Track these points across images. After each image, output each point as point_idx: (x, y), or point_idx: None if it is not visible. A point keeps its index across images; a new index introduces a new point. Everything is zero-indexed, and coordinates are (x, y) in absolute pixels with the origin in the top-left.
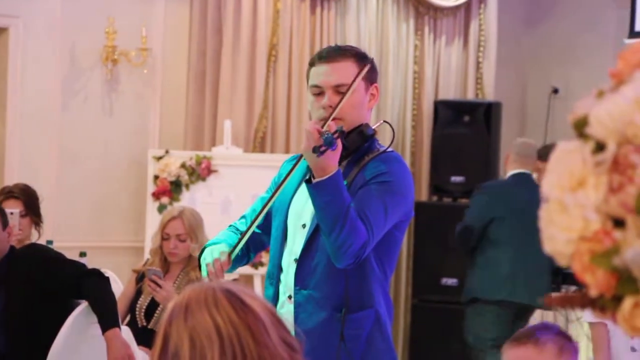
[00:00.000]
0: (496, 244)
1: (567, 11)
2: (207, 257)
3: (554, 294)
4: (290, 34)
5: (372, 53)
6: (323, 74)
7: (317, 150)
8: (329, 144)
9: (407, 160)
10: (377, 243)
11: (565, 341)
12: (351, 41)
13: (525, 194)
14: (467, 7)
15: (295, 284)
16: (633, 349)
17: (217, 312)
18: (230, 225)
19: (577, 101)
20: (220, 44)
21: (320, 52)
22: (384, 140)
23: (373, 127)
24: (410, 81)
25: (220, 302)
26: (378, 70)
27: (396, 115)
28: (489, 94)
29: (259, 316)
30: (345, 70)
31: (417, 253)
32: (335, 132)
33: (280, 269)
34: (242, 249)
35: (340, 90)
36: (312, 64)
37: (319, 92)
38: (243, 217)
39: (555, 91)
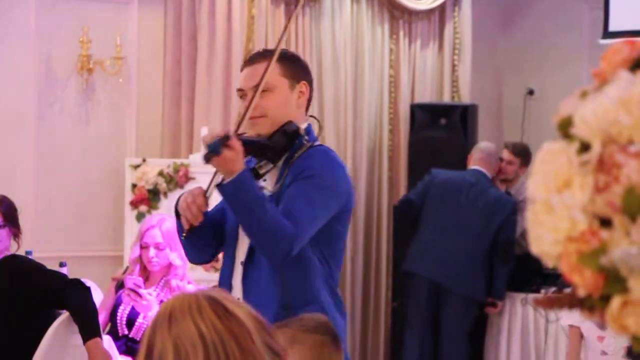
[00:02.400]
0: (423, 221)
1: (541, 13)
2: (182, 203)
3: (541, 295)
4: (266, 40)
5: (347, 57)
6: (244, 76)
7: (205, 159)
8: (212, 151)
9: (385, 164)
10: (317, 238)
11: (303, 335)
12: (326, 46)
13: (468, 186)
14: (441, 10)
15: (243, 284)
16: (604, 353)
17: (200, 320)
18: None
19: (552, 102)
20: (195, 51)
21: (247, 57)
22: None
23: (297, 125)
24: (386, 85)
25: (204, 310)
26: (354, 75)
27: (373, 119)
28: (465, 97)
29: (243, 323)
30: (263, 70)
31: (397, 256)
32: (223, 137)
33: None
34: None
35: (262, 90)
36: (242, 70)
37: (241, 94)
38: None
39: (531, 92)
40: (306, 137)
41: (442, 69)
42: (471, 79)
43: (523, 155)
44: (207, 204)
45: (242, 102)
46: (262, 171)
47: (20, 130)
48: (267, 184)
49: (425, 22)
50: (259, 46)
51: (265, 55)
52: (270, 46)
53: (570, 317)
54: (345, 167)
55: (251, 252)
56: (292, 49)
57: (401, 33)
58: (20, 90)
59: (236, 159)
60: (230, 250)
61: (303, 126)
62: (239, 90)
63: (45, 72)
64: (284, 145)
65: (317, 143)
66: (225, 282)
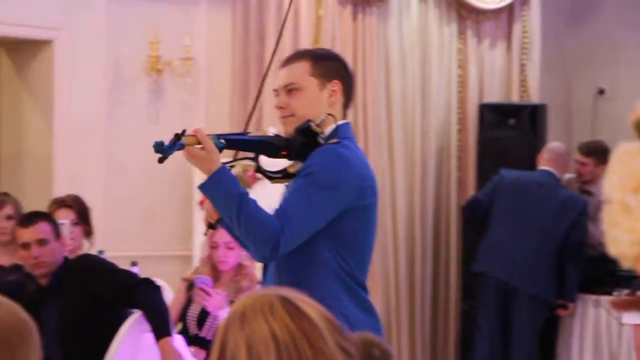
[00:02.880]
0: (492, 221)
1: (610, 11)
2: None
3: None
4: (333, 40)
5: (414, 57)
6: (279, 77)
7: (159, 160)
8: (157, 150)
9: (453, 165)
10: (328, 235)
11: None
12: (393, 46)
13: (537, 186)
14: (509, 9)
15: (263, 281)
16: None
17: (273, 319)
18: None
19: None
20: (263, 51)
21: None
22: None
23: (315, 122)
24: (454, 85)
25: (276, 309)
26: (422, 75)
27: (441, 119)
28: (534, 96)
29: (315, 322)
30: (296, 70)
31: (466, 256)
32: (173, 139)
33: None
34: None
35: (290, 89)
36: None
37: (276, 94)
38: None
39: (601, 92)
40: (322, 136)
41: (510, 68)
42: (540, 79)
43: (596, 153)
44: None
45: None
46: (293, 170)
47: (91, 130)
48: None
49: (494, 22)
50: (325, 46)
51: (298, 54)
52: (337, 48)
53: (632, 317)
54: (360, 166)
55: None
56: (360, 49)
57: (469, 32)
58: (90, 90)
59: (207, 158)
60: None
61: (326, 126)
62: (274, 90)
63: (115, 73)
64: (302, 144)
65: (332, 141)
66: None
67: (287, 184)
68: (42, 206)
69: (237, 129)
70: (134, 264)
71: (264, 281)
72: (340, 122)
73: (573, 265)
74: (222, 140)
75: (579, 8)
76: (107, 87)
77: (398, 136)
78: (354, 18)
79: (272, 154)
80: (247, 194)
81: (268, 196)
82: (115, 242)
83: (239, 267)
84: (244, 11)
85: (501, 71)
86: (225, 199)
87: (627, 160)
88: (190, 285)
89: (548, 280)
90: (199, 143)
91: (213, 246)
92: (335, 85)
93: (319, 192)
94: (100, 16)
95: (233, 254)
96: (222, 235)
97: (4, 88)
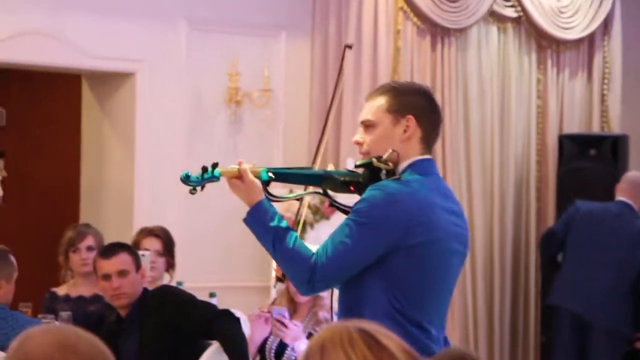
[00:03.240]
0: (567, 254)
1: None
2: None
3: None
4: (412, 71)
5: (494, 88)
6: (361, 113)
7: (190, 191)
8: (183, 181)
9: (532, 195)
10: (378, 272)
11: None
12: (472, 76)
13: (612, 218)
14: (590, 39)
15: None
16: None
17: (352, 352)
18: None
19: None
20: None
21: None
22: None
23: (383, 157)
24: (533, 115)
25: (356, 342)
26: (501, 105)
27: (520, 150)
28: (615, 127)
29: (394, 355)
30: (374, 106)
31: (545, 288)
32: (201, 171)
33: None
34: None
35: (367, 125)
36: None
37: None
38: None
39: None
40: (384, 172)
41: (591, 98)
42: (621, 109)
43: None
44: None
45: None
46: None
47: (171, 162)
48: None
49: (574, 52)
50: (404, 77)
51: (380, 89)
52: (416, 78)
53: None
54: (410, 205)
55: None
56: (439, 80)
57: (549, 62)
58: (171, 122)
59: (246, 191)
60: None
61: (406, 161)
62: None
63: (195, 104)
64: (370, 179)
65: (394, 177)
66: None
67: None
68: (123, 237)
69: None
70: (212, 295)
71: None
72: (418, 157)
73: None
74: (270, 174)
75: None
76: (188, 118)
77: (476, 167)
78: (433, 49)
79: (337, 189)
80: (285, 228)
81: None
82: (194, 274)
83: (316, 299)
84: (322, 43)
85: (581, 102)
86: (263, 233)
87: None
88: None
89: (624, 313)
90: (240, 176)
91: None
92: (410, 121)
93: (361, 229)
94: (181, 49)
95: None
96: None
97: (86, 119)
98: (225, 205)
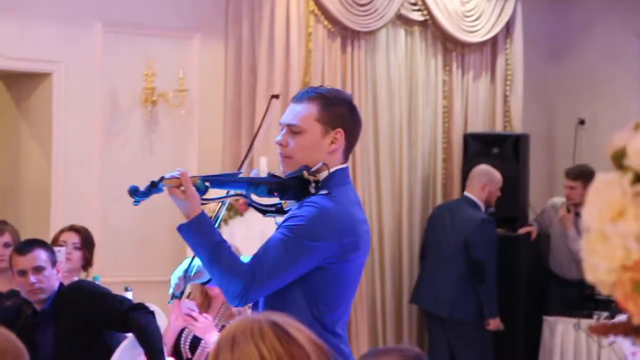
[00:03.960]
0: (425, 254)
1: (590, 44)
2: (172, 277)
3: (597, 322)
4: (322, 72)
5: (401, 89)
6: (287, 111)
7: (134, 202)
8: (131, 194)
9: (439, 192)
10: (304, 285)
11: None
12: (381, 77)
13: (446, 215)
14: (493, 43)
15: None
16: None
17: (262, 343)
18: None
19: (603, 132)
20: (255, 84)
21: (298, 92)
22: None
23: (312, 169)
24: (440, 115)
25: (266, 334)
26: (409, 105)
27: (427, 148)
28: (517, 127)
29: (304, 348)
30: (302, 112)
31: None
32: (149, 185)
33: None
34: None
35: (293, 130)
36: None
37: (281, 128)
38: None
39: (582, 122)
40: (313, 185)
41: (494, 99)
42: (523, 109)
43: (582, 177)
44: (185, 282)
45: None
46: (286, 207)
47: (88, 160)
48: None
49: (478, 54)
50: (315, 78)
51: (309, 95)
52: (326, 79)
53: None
54: (343, 222)
55: None
56: (349, 81)
57: (454, 64)
58: (87, 121)
59: (187, 202)
60: None
61: (321, 174)
62: (280, 123)
63: (111, 104)
64: (297, 188)
65: (322, 192)
66: None
67: (277, 219)
68: (40, 234)
69: (229, 158)
70: (127, 289)
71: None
72: (338, 167)
73: (478, 285)
74: (207, 183)
75: (560, 42)
76: (104, 118)
77: (385, 165)
78: (343, 51)
79: (263, 195)
80: (222, 240)
81: (260, 223)
82: (110, 268)
83: None
84: (236, 44)
85: (485, 102)
86: (201, 245)
87: (605, 190)
88: None
89: (465, 302)
90: (180, 185)
91: None
92: (338, 134)
93: (297, 245)
94: (97, 50)
95: None
96: None
97: (2, 119)
98: (141, 204)
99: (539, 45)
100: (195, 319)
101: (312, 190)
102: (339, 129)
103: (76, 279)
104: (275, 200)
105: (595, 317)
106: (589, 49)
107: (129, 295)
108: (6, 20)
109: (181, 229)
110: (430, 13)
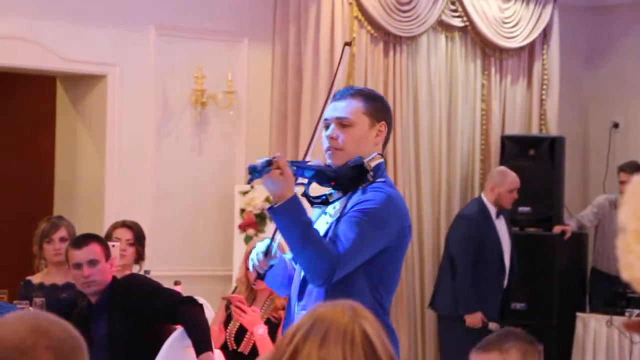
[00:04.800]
0: None
1: (625, 49)
2: (253, 257)
3: (628, 318)
4: (365, 76)
5: (442, 92)
6: (331, 108)
7: (248, 180)
8: (251, 172)
9: (477, 192)
10: (367, 268)
11: (529, 346)
12: (422, 81)
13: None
14: (530, 48)
15: (298, 305)
16: None
17: (350, 353)
18: None
19: (636, 134)
20: (300, 86)
21: (336, 92)
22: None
23: (366, 160)
24: (478, 118)
25: (356, 344)
26: (448, 108)
27: (466, 149)
28: (553, 129)
29: None
30: (351, 106)
31: None
32: (265, 162)
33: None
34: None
35: (343, 124)
36: (331, 102)
37: (327, 124)
38: None
39: (616, 126)
40: (371, 173)
41: (530, 102)
42: (558, 113)
43: (638, 170)
44: (270, 254)
45: (324, 131)
46: (332, 199)
47: (140, 158)
48: (335, 211)
49: (516, 59)
50: (358, 81)
51: (352, 93)
52: (369, 83)
53: None
54: (404, 207)
55: (304, 281)
56: (390, 84)
57: (492, 69)
58: (140, 122)
59: (284, 183)
60: (294, 279)
61: (373, 163)
62: (325, 120)
63: (163, 105)
64: (351, 178)
65: (379, 180)
66: (289, 305)
67: (323, 209)
68: (94, 229)
69: None
70: (176, 283)
71: (299, 301)
72: (381, 160)
73: (451, 278)
74: (294, 168)
75: (595, 47)
76: (156, 118)
77: (425, 165)
78: (386, 55)
79: (322, 183)
80: (312, 222)
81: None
82: (161, 263)
83: None
84: (282, 48)
85: (522, 105)
86: (294, 226)
87: None
88: (229, 304)
89: (445, 295)
90: (278, 168)
91: (247, 268)
92: (382, 126)
93: (372, 228)
94: (150, 53)
95: None
96: None
97: (60, 119)
98: (189, 197)
99: (575, 51)
100: (244, 311)
101: (370, 179)
102: (383, 122)
103: (129, 272)
104: (326, 190)
105: (627, 314)
106: (624, 54)
107: (178, 288)
108: (65, 24)
109: (277, 210)
110: (470, 19)
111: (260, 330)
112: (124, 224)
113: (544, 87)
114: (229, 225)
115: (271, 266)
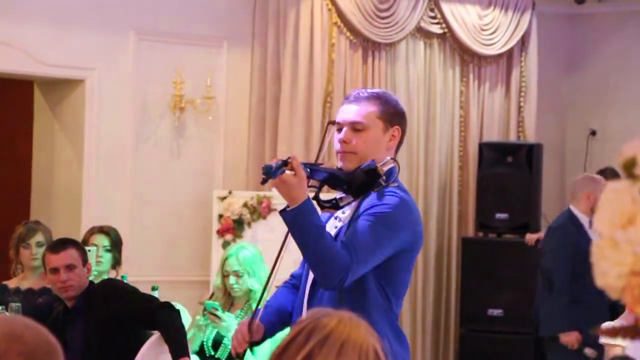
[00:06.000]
0: None
1: (602, 58)
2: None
3: (605, 325)
4: (344, 82)
5: (420, 99)
6: (343, 111)
7: (262, 181)
8: (266, 171)
9: (455, 199)
10: (379, 273)
11: None
12: (401, 87)
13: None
14: (509, 55)
15: (307, 310)
16: None
17: None
18: (285, 282)
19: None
20: (279, 91)
21: (349, 94)
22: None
23: (379, 164)
24: (456, 124)
25: None
26: (427, 115)
27: (444, 156)
28: (530, 136)
29: None
30: (364, 110)
31: (465, 285)
32: (280, 164)
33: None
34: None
35: (356, 128)
36: (343, 104)
37: (339, 128)
38: (292, 275)
39: (593, 133)
40: (384, 178)
41: (509, 109)
42: (536, 120)
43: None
44: (251, 333)
45: (335, 134)
46: (342, 203)
47: (118, 163)
48: (344, 216)
49: (494, 66)
50: (337, 87)
51: (367, 96)
52: (348, 87)
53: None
54: (417, 212)
55: (313, 284)
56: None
57: (471, 76)
58: (118, 126)
59: (297, 186)
60: (303, 282)
61: (386, 168)
62: (338, 124)
63: (142, 110)
64: (363, 182)
65: (393, 185)
66: (297, 310)
67: (334, 213)
68: (71, 233)
69: (253, 162)
70: (154, 288)
71: (310, 306)
72: (393, 165)
73: (549, 295)
74: (308, 170)
75: (573, 55)
76: (134, 123)
77: (402, 172)
78: (364, 61)
79: (334, 187)
80: (324, 225)
81: (282, 225)
82: (138, 268)
83: (250, 292)
84: (261, 53)
85: (500, 112)
86: (306, 229)
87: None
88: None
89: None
90: (292, 169)
91: (224, 275)
92: (396, 131)
93: (386, 233)
94: (129, 58)
95: (242, 281)
96: (232, 265)
97: (38, 123)
98: (167, 202)
99: (553, 58)
100: (219, 318)
101: (382, 184)
102: (397, 127)
103: (106, 277)
104: (336, 194)
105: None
106: (602, 62)
107: (155, 294)
108: (43, 28)
109: (290, 212)
110: (448, 26)
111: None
112: (101, 230)
113: (522, 94)
114: (207, 230)
115: (252, 343)
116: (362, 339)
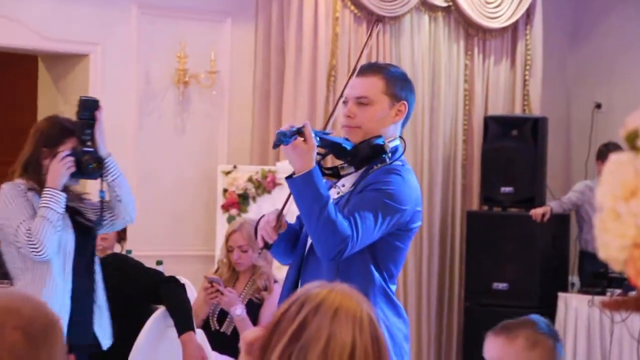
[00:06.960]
0: None
1: (608, 30)
2: (260, 224)
3: (608, 298)
4: (349, 56)
5: (424, 72)
6: (350, 86)
7: (274, 145)
8: (280, 137)
9: (459, 173)
10: (374, 249)
11: (540, 337)
12: (405, 61)
13: None
14: (514, 28)
15: (301, 283)
16: None
17: (359, 336)
18: None
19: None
20: (283, 65)
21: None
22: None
23: (387, 141)
24: (461, 98)
25: (364, 327)
26: (431, 89)
27: (448, 130)
28: (536, 110)
29: (385, 354)
30: (370, 84)
31: (469, 259)
32: (294, 130)
33: (298, 273)
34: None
35: (361, 102)
36: (349, 79)
37: (344, 102)
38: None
39: (598, 106)
40: (389, 155)
41: (514, 83)
42: (541, 93)
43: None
44: (279, 225)
45: (342, 108)
46: (343, 172)
47: (122, 138)
48: (344, 186)
49: (499, 40)
50: (341, 61)
51: (373, 69)
52: (352, 61)
53: None
54: (419, 192)
55: (309, 253)
56: None
57: (476, 49)
58: (122, 101)
59: (307, 154)
60: (297, 253)
61: (391, 144)
62: (344, 98)
63: (145, 85)
64: (367, 156)
65: (397, 162)
66: (289, 282)
67: (334, 182)
68: None
69: (258, 136)
70: (159, 263)
71: (304, 274)
72: (399, 143)
73: None
74: (317, 138)
75: (578, 27)
76: (138, 98)
77: (407, 146)
78: (367, 35)
79: (339, 156)
80: (329, 196)
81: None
82: (143, 242)
83: (254, 268)
84: (265, 28)
85: (505, 86)
86: (312, 197)
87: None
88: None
89: None
90: (303, 137)
91: (229, 250)
92: (402, 106)
93: (387, 209)
94: (132, 32)
95: (246, 256)
96: (237, 240)
97: (42, 98)
98: (172, 177)
99: (558, 32)
100: (221, 293)
101: (387, 160)
102: (403, 102)
103: (110, 252)
104: (338, 162)
105: (608, 293)
106: (607, 35)
107: (160, 268)
108: (46, 3)
109: (297, 179)
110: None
111: (238, 312)
112: None
113: (527, 67)
114: (212, 205)
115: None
116: (355, 305)
